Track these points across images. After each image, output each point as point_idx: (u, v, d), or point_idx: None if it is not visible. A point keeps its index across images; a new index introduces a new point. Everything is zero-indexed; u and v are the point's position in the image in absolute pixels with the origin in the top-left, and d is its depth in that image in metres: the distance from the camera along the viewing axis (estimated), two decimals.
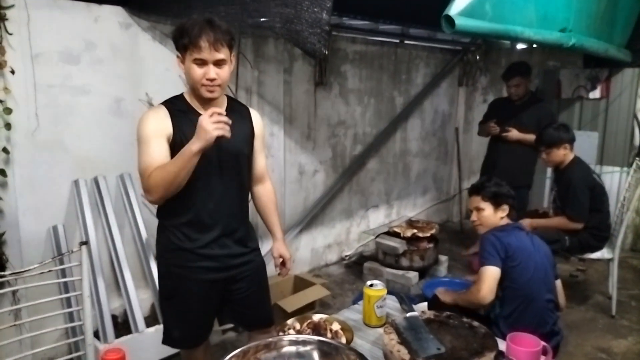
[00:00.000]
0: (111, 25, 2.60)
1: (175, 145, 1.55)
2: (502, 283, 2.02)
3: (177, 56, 1.57)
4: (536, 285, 2.01)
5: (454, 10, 1.85)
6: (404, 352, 1.22)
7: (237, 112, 1.72)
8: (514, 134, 3.44)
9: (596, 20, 3.21)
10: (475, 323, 1.37)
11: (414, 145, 4.75)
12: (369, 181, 4.33)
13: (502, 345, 1.27)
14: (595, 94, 4.14)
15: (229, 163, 1.66)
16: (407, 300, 1.53)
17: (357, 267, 3.97)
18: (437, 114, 4.94)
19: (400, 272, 3.55)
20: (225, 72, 1.55)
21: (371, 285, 1.49)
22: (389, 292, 1.55)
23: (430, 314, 1.44)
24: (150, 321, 2.63)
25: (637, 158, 3.70)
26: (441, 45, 4.67)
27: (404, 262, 3.58)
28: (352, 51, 3.88)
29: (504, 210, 2.20)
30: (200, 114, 1.51)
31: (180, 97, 1.66)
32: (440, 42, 4.51)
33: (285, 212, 3.56)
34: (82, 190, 2.56)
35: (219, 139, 1.44)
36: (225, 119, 1.45)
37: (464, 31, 1.94)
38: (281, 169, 3.44)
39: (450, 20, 1.84)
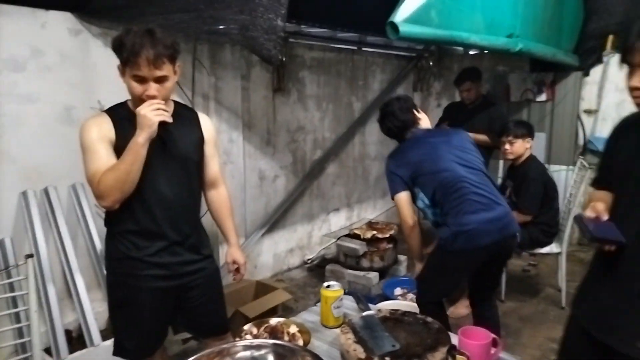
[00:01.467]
0: (59, 31, 2.53)
1: (119, 152, 1.51)
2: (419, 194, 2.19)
3: (118, 67, 1.50)
4: (446, 170, 2.14)
5: (398, 17, 1.91)
6: (360, 351, 1.25)
7: (185, 117, 1.69)
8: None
9: (543, 26, 3.38)
10: (429, 319, 1.42)
11: (373, 149, 4.84)
12: (330, 185, 4.38)
13: (454, 339, 1.32)
14: (542, 96, 4.36)
15: (177, 169, 1.62)
16: (363, 299, 1.56)
17: (319, 270, 3.99)
18: None
19: (361, 273, 3.60)
20: (166, 88, 1.51)
21: (328, 286, 1.51)
22: (347, 293, 1.58)
23: (385, 312, 1.47)
24: (107, 334, 2.55)
25: (581, 157, 3.91)
26: (396, 52, 4.79)
27: (365, 263, 3.64)
28: (309, 58, 3.92)
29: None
30: None
31: (123, 105, 1.61)
32: (396, 49, 4.64)
33: (246, 218, 3.55)
34: (31, 202, 2.46)
35: (166, 136, 1.45)
36: (164, 106, 1.46)
37: (409, 37, 2.01)
38: (241, 175, 3.43)
39: (394, 27, 1.90)
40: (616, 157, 1.35)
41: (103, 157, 1.49)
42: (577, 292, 1.43)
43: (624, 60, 1.20)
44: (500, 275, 2.84)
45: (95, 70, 2.66)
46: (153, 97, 1.47)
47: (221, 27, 2.24)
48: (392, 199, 2.28)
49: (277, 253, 3.92)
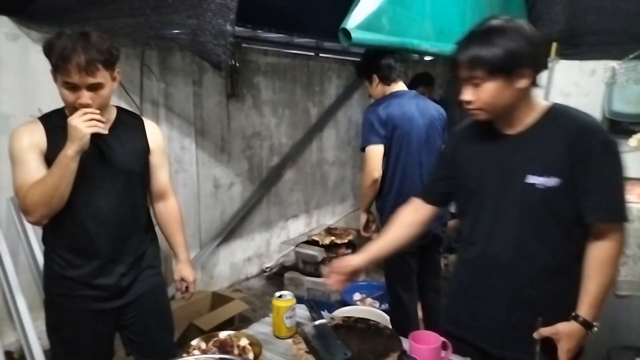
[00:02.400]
0: None
1: (50, 163, 1.41)
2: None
3: (51, 72, 1.39)
4: (415, 150, 2.25)
5: (350, 23, 1.92)
6: None
7: (128, 124, 1.59)
8: None
9: None
10: (382, 325, 1.41)
11: (330, 154, 4.85)
12: (288, 191, 4.35)
13: (406, 344, 1.32)
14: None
15: (116, 181, 1.52)
16: (316, 308, 1.54)
17: (278, 278, 3.94)
18: (351, 124, 5.08)
19: (320, 279, 3.57)
20: (102, 96, 1.40)
21: (280, 296, 1.48)
22: (299, 301, 1.55)
23: (338, 319, 1.46)
24: (51, 354, 2.42)
25: None
26: (352, 58, 4.82)
27: (324, 269, 3.62)
28: (264, 63, 3.89)
29: (374, 80, 2.35)
30: None
31: (59, 112, 1.50)
32: (352, 55, 4.67)
33: (200, 227, 3.46)
34: None
35: (104, 147, 1.39)
36: (98, 116, 1.36)
37: (361, 44, 2.02)
38: (194, 183, 3.35)
39: (347, 33, 1.90)
40: (460, 170, 1.40)
41: (32, 168, 1.39)
42: (453, 310, 1.47)
43: (453, 74, 1.25)
44: (439, 265, 2.91)
45: (35, 77, 2.52)
46: (86, 106, 1.36)
47: (169, 32, 2.18)
48: (363, 150, 2.33)
49: (234, 262, 3.85)
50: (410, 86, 3.80)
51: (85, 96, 1.36)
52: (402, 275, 2.55)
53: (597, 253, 1.23)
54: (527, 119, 1.26)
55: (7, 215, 2.50)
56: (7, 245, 2.40)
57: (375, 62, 2.39)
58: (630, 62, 3.37)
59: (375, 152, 2.27)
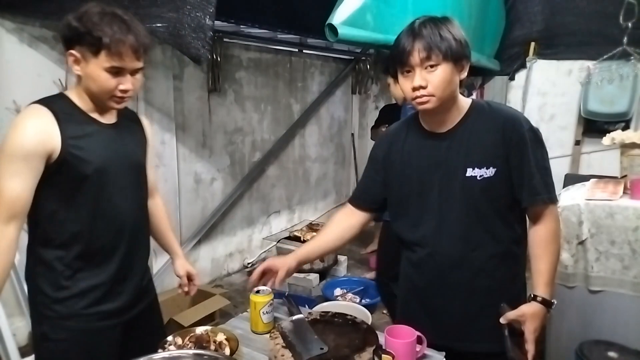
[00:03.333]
0: None
1: (64, 163, 1.24)
2: None
3: (71, 54, 1.24)
4: None
5: (336, 19, 1.92)
6: (287, 355, 1.23)
7: (130, 118, 1.49)
8: None
9: (468, 33, 3.51)
10: (358, 320, 1.42)
11: (313, 150, 4.85)
12: (270, 187, 4.34)
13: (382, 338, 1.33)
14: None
15: (130, 177, 1.40)
16: (294, 303, 1.54)
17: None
18: (333, 120, 5.09)
19: (301, 275, 3.58)
20: (139, 81, 1.31)
21: (258, 291, 1.48)
22: (277, 296, 1.55)
23: (316, 314, 1.46)
24: (27, 350, 2.38)
25: None
26: (335, 55, 4.83)
27: (305, 265, 3.62)
28: (246, 58, 3.87)
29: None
30: (97, 120, 1.32)
31: (62, 98, 1.32)
32: (335, 51, 4.68)
33: (181, 223, 3.43)
34: None
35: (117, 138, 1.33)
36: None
37: (347, 40, 2.02)
38: (175, 179, 3.32)
39: (333, 29, 1.90)
40: (395, 173, 1.42)
41: (17, 188, 1.22)
42: (408, 313, 1.49)
43: (401, 65, 1.25)
44: None
45: (9, 69, 2.47)
46: (127, 92, 1.27)
47: (147, 25, 2.15)
48: None
49: (215, 258, 3.83)
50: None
51: (130, 81, 1.27)
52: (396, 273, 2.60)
53: (540, 234, 1.31)
54: (456, 116, 1.32)
55: None
56: None
57: None
58: (604, 62, 3.44)
59: None
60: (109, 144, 1.34)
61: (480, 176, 1.28)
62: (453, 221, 1.32)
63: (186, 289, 1.73)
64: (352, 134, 5.34)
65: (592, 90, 3.58)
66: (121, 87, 1.26)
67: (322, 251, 1.57)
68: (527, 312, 1.27)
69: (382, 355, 1.17)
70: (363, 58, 5.03)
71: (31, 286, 1.36)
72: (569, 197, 2.22)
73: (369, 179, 1.51)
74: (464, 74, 1.28)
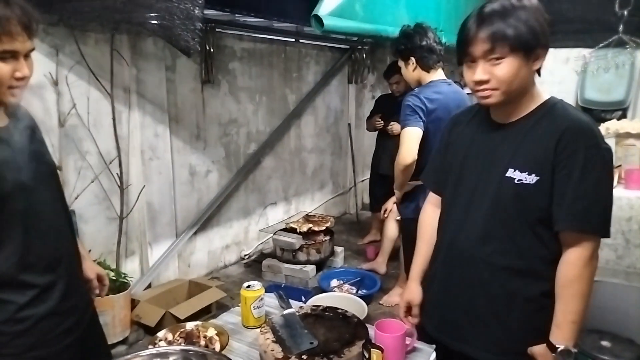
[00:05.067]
0: None
1: None
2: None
3: None
4: None
5: (322, 10, 1.90)
6: (277, 350, 1.23)
7: (18, 115, 1.23)
8: (396, 127, 3.63)
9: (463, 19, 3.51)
10: (349, 313, 1.42)
11: (309, 141, 4.83)
12: (266, 179, 4.32)
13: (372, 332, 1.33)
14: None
15: (46, 178, 1.25)
16: (285, 297, 1.54)
17: (257, 265, 3.94)
18: (329, 111, 5.06)
19: (297, 266, 3.59)
20: (32, 67, 1.11)
21: (248, 286, 1.48)
22: (268, 291, 1.55)
23: (307, 308, 1.46)
24: None
25: None
26: (330, 44, 4.78)
27: (301, 256, 3.64)
28: (239, 49, 3.83)
29: (412, 63, 2.22)
30: None
31: None
32: (330, 40, 4.63)
33: (177, 216, 3.42)
34: None
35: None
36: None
37: (334, 31, 2.00)
38: (169, 171, 3.30)
39: (319, 20, 1.88)
40: (448, 154, 1.37)
41: None
42: (425, 288, 1.46)
43: (463, 54, 1.18)
44: None
45: None
46: (23, 80, 1.08)
47: (137, 16, 2.12)
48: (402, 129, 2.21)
49: (211, 250, 3.83)
50: (385, 74, 3.82)
51: (25, 66, 1.07)
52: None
53: (565, 270, 1.16)
54: (525, 108, 1.21)
55: None
56: None
57: (413, 42, 2.21)
58: (600, 50, 3.41)
59: (413, 134, 2.12)
60: (16, 152, 1.14)
61: (518, 180, 1.16)
62: (478, 219, 1.25)
63: (97, 291, 1.50)
64: (349, 124, 5.32)
65: (588, 78, 3.57)
66: (17, 74, 1.07)
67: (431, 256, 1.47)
68: (534, 351, 1.20)
69: (371, 349, 1.17)
70: (359, 47, 4.98)
71: None
72: None
73: (440, 163, 1.44)
74: (539, 64, 1.15)
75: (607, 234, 1.17)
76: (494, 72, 1.13)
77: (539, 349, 1.20)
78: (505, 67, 1.12)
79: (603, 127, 2.40)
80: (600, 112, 3.50)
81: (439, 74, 2.29)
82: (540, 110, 1.20)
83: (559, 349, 1.15)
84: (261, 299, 1.45)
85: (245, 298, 1.43)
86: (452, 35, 3.38)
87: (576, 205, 1.12)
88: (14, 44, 1.03)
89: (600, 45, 3.37)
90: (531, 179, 1.15)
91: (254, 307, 1.42)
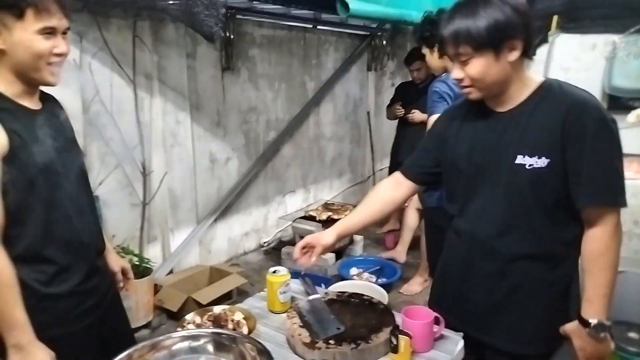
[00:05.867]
0: None
1: (15, 159, 1.09)
2: None
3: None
4: None
5: None
6: (305, 335, 1.23)
7: (51, 100, 1.31)
8: (417, 115, 3.58)
9: None
10: (375, 300, 1.42)
11: (328, 129, 4.81)
12: (285, 167, 4.33)
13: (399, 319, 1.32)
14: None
15: (74, 163, 1.29)
16: (311, 283, 1.54)
17: (276, 252, 3.97)
18: (348, 98, 5.03)
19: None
20: (69, 44, 1.18)
21: (274, 271, 1.48)
22: (294, 276, 1.55)
23: (332, 294, 1.46)
24: None
25: None
26: (350, 31, 4.73)
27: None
28: (259, 35, 3.81)
29: (436, 49, 2.19)
30: (29, 109, 1.16)
31: None
32: (350, 27, 4.58)
33: (197, 202, 3.45)
34: None
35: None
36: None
37: (359, 15, 1.98)
38: (190, 158, 3.32)
39: (345, 4, 1.86)
40: (449, 149, 1.35)
41: None
42: (438, 292, 1.46)
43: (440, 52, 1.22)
44: None
45: None
46: (61, 56, 1.14)
47: (160, 2, 2.12)
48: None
49: (231, 237, 3.86)
50: (406, 60, 3.76)
51: (64, 43, 1.14)
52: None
53: (591, 244, 1.16)
54: (520, 95, 1.20)
55: None
56: None
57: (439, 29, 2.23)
58: (630, 36, 3.30)
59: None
60: (47, 134, 1.18)
61: (529, 165, 1.15)
62: (495, 210, 1.23)
63: (121, 284, 1.52)
64: (368, 112, 5.27)
65: (617, 65, 3.45)
66: (56, 50, 1.13)
67: (363, 224, 1.48)
68: (567, 330, 1.20)
69: (399, 335, 1.16)
70: (379, 33, 4.92)
71: None
72: None
73: (424, 151, 1.44)
74: (516, 54, 1.13)
75: (625, 204, 1.16)
76: (466, 71, 1.15)
77: (571, 327, 1.20)
78: (474, 67, 1.14)
79: (633, 115, 2.33)
80: (628, 100, 3.39)
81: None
82: (537, 94, 1.19)
83: (593, 324, 1.14)
84: (287, 284, 1.45)
85: (271, 283, 1.43)
86: None
87: (594, 179, 1.12)
88: (52, 21, 1.10)
89: (631, 30, 3.26)
90: (542, 162, 1.15)
91: (280, 292, 1.43)
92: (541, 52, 4.26)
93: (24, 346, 1.05)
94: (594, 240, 1.16)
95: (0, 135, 1.07)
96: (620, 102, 3.46)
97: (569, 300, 1.23)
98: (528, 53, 1.16)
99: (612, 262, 1.16)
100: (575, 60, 3.96)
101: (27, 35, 1.09)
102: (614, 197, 1.15)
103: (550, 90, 1.19)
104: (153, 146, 3.00)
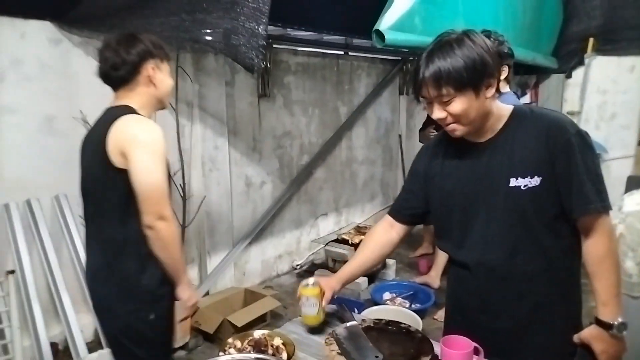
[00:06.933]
0: (39, 41, 2.50)
1: None
2: None
3: (153, 68, 1.56)
4: None
5: (384, 25, 1.92)
6: None
7: None
8: None
9: (523, 31, 3.43)
10: (413, 328, 1.42)
11: (360, 153, 4.85)
12: (317, 190, 4.38)
13: (437, 348, 1.32)
14: (526, 99, 4.40)
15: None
16: (348, 309, 1.56)
17: (308, 275, 3.97)
18: (380, 122, 5.07)
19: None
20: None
21: (307, 285, 1.48)
22: (332, 302, 1.57)
23: (369, 321, 1.47)
24: (93, 346, 2.54)
25: None
26: (382, 56, 4.81)
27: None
28: (294, 63, 3.93)
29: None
30: None
31: (133, 109, 1.54)
32: (382, 52, 4.66)
33: (233, 225, 3.53)
34: (14, 214, 2.43)
35: None
36: None
37: (394, 45, 2.02)
38: (227, 182, 3.42)
39: (380, 35, 1.91)
40: (435, 188, 1.37)
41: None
42: (455, 327, 1.42)
43: (416, 95, 1.22)
44: None
45: (76, 80, 2.63)
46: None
47: (203, 35, 2.23)
48: None
49: (265, 259, 3.91)
50: None
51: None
52: None
53: (593, 250, 1.21)
54: (497, 125, 1.26)
55: (52, 212, 2.62)
56: (51, 242, 2.52)
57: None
58: None
59: None
60: None
61: (524, 186, 1.20)
62: (498, 235, 1.26)
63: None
64: (400, 136, 5.30)
65: None
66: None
67: (364, 269, 1.57)
68: (586, 336, 1.23)
69: None
70: (411, 58, 4.97)
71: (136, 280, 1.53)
72: (633, 202, 2.11)
73: (410, 193, 1.48)
74: (491, 91, 1.20)
75: (611, 207, 1.23)
76: (448, 110, 1.18)
77: (589, 332, 1.23)
78: (457, 106, 1.17)
79: None
80: None
81: (508, 86, 2.25)
82: (512, 119, 1.26)
83: (615, 324, 1.19)
84: (318, 297, 1.44)
85: (305, 295, 1.43)
86: (510, 45, 3.31)
87: (584, 189, 1.18)
88: (170, 63, 1.66)
89: None
90: (535, 181, 1.20)
91: (312, 305, 1.43)
92: (577, 74, 4.22)
93: (189, 282, 1.57)
94: (595, 245, 1.21)
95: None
96: None
97: (580, 311, 1.29)
98: (497, 88, 1.22)
99: (616, 262, 1.22)
100: (613, 82, 3.90)
101: (165, 75, 1.62)
102: (605, 202, 1.21)
103: (524, 115, 1.25)
104: (192, 171, 3.12)
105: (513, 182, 1.22)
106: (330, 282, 1.51)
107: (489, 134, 1.27)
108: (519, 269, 1.26)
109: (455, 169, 1.33)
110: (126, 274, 1.51)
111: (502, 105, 1.28)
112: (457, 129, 1.22)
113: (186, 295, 1.59)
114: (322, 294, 1.46)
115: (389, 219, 1.54)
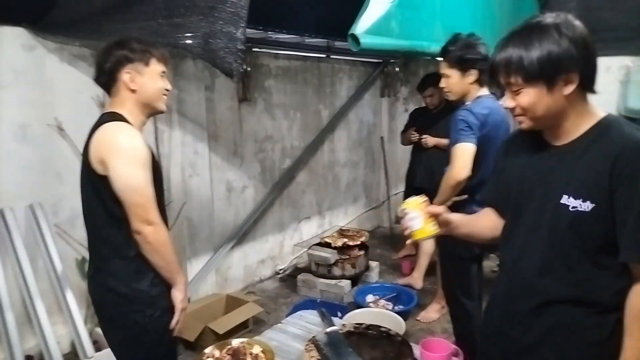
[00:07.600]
0: (12, 47, 2.45)
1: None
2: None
3: (128, 72, 1.50)
4: None
5: (359, 29, 1.93)
6: None
7: None
8: (430, 140, 3.61)
9: (500, 33, 3.47)
10: (393, 332, 1.42)
11: (342, 155, 4.85)
12: (300, 193, 4.37)
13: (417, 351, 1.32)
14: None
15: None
16: (328, 314, 1.55)
17: (291, 280, 3.97)
18: (362, 125, 5.08)
19: (332, 281, 3.59)
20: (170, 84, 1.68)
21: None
22: (311, 307, 1.56)
23: (350, 326, 1.47)
24: (70, 357, 2.48)
25: None
26: (363, 59, 4.82)
27: (336, 271, 3.64)
28: (275, 66, 3.91)
29: (472, 75, 2.13)
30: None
31: (119, 116, 1.50)
32: (363, 55, 4.66)
33: (214, 231, 3.50)
34: None
35: None
36: None
37: (370, 49, 2.02)
38: (207, 187, 3.38)
39: (355, 39, 1.91)
40: (505, 180, 1.31)
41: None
42: (485, 322, 1.39)
43: (491, 77, 1.17)
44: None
45: (51, 86, 2.58)
46: (169, 91, 1.61)
47: (181, 40, 2.21)
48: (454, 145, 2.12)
49: (247, 265, 3.88)
50: (419, 87, 3.82)
51: (169, 83, 1.63)
52: (462, 280, 2.32)
53: (635, 301, 1.08)
54: (576, 130, 1.14)
55: (26, 222, 2.56)
56: (26, 252, 2.46)
57: (478, 53, 2.14)
58: None
59: (467, 150, 2.06)
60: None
61: (572, 207, 1.10)
62: (536, 248, 1.18)
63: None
64: (382, 138, 5.32)
65: (632, 87, 3.46)
66: (168, 87, 1.58)
67: (471, 232, 1.41)
68: None
69: None
70: (392, 60, 5.00)
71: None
72: None
73: (496, 181, 1.39)
74: (571, 88, 1.08)
75: None
76: (517, 100, 1.12)
77: None
78: (524, 98, 1.10)
79: None
80: None
81: (485, 90, 2.25)
82: (594, 130, 1.13)
83: None
84: (417, 209, 1.32)
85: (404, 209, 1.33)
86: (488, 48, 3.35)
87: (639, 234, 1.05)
88: (166, 67, 1.58)
89: None
90: (586, 206, 1.08)
91: (413, 219, 1.30)
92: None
93: (184, 284, 1.59)
94: (638, 296, 1.08)
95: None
96: (636, 123, 3.46)
97: (606, 351, 1.13)
98: (588, 87, 1.11)
99: None
100: None
101: (152, 77, 1.54)
102: None
103: (609, 128, 1.12)
104: (172, 177, 3.08)
105: (564, 199, 1.12)
106: (448, 212, 1.37)
107: (564, 137, 1.16)
108: (544, 288, 1.17)
109: (523, 167, 1.25)
110: (120, 277, 1.51)
111: (591, 110, 1.15)
112: (524, 122, 1.15)
113: (178, 298, 1.58)
114: (425, 206, 1.33)
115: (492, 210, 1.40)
